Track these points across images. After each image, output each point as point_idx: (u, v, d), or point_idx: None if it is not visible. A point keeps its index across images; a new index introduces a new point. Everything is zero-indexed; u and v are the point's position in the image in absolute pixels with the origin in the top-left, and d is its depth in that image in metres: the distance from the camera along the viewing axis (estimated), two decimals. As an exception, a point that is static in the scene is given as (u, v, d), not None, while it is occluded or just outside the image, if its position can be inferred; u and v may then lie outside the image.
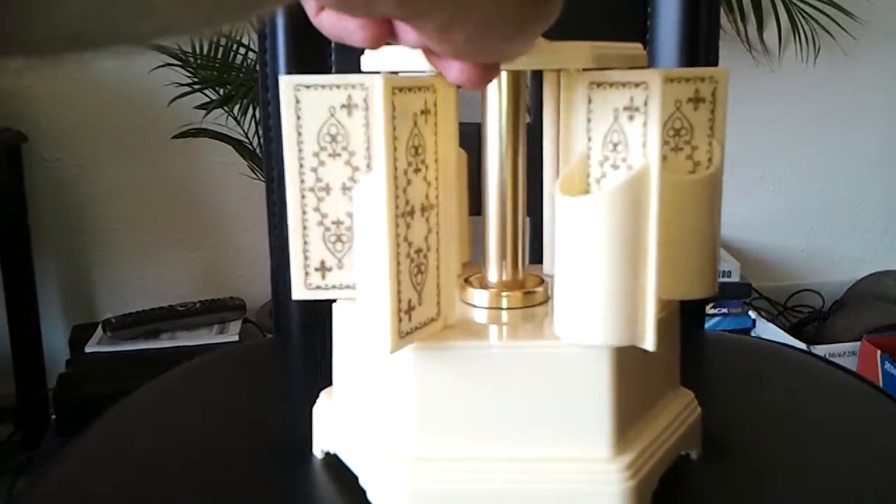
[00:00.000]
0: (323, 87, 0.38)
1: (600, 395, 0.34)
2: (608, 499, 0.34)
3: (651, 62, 0.61)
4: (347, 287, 0.39)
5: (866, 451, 0.43)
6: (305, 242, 0.39)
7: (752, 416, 0.47)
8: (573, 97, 0.35)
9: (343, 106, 0.38)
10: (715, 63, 0.62)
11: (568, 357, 0.34)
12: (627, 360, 0.35)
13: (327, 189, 0.38)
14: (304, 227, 0.38)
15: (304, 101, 0.37)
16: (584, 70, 0.34)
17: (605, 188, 0.33)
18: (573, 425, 0.35)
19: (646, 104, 0.32)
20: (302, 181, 0.38)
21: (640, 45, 0.39)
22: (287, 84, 0.37)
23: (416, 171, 0.33)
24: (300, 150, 0.38)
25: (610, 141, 0.33)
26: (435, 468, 0.34)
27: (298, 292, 0.39)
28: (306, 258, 0.39)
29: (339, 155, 0.38)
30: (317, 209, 0.38)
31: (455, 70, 0.29)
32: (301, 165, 0.38)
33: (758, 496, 0.39)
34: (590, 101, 0.35)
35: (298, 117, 0.37)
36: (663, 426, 0.38)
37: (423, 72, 0.35)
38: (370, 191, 0.32)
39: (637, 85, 0.32)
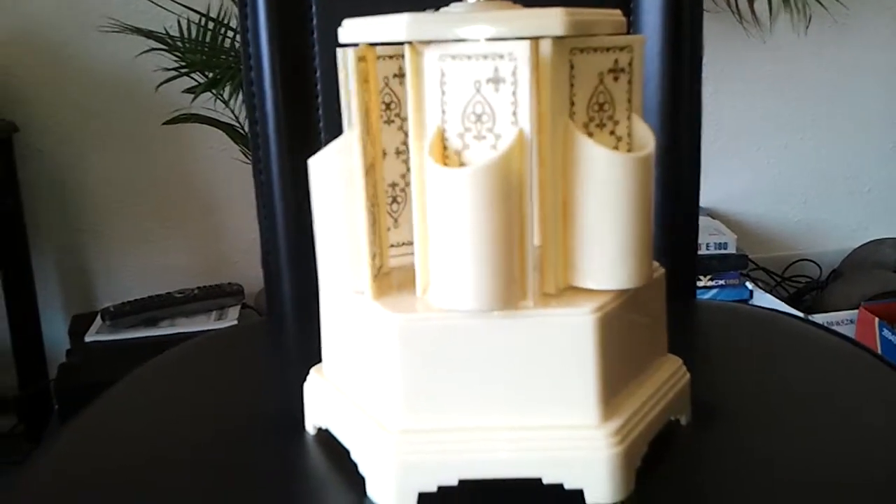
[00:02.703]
0: (380, 57, 0.39)
1: (586, 362, 0.35)
2: (597, 465, 0.34)
3: (634, 28, 0.61)
4: (404, 244, 0.40)
5: (860, 416, 0.43)
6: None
7: (743, 382, 0.47)
8: (552, 63, 0.35)
9: (395, 75, 0.39)
10: (699, 30, 0.62)
11: (553, 326, 0.34)
12: (613, 327, 0.35)
13: (384, 154, 0.40)
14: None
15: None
16: (565, 37, 0.34)
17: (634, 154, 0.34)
18: (560, 393, 0.35)
19: (630, 65, 0.32)
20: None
21: (618, 11, 0.38)
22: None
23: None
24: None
25: (596, 102, 0.34)
26: (423, 440, 0.34)
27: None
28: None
29: (392, 121, 0.40)
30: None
31: None
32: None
33: (749, 460, 0.39)
34: (572, 67, 0.35)
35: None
36: (651, 392, 0.38)
37: (398, 42, 0.35)
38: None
39: (622, 48, 0.32)
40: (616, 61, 0.35)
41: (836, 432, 0.41)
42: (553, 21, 0.33)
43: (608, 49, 0.35)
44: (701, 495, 0.37)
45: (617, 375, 0.36)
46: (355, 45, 0.39)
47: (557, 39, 0.34)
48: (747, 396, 0.45)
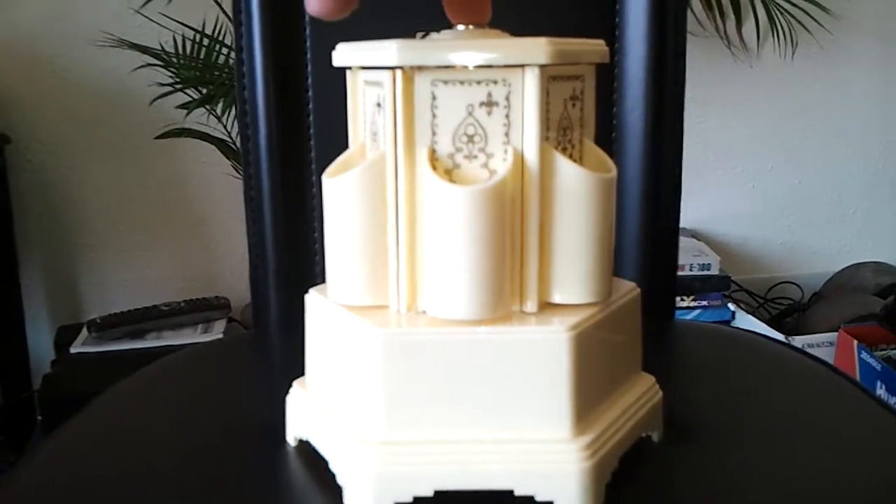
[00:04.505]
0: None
1: (561, 378, 0.36)
2: (567, 478, 0.35)
3: (620, 56, 0.63)
4: None
5: (831, 438, 0.44)
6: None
7: (717, 402, 0.48)
8: (533, 90, 0.36)
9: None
10: (683, 59, 0.64)
11: (530, 343, 0.36)
12: (588, 345, 0.37)
13: None
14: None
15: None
16: (548, 66, 0.36)
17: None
18: (535, 408, 0.36)
19: (582, 93, 0.34)
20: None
21: (602, 41, 0.40)
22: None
23: None
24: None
25: (561, 126, 0.36)
26: (401, 451, 0.35)
27: None
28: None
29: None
30: None
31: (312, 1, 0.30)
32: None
33: (717, 475, 0.40)
34: (548, 94, 0.36)
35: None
36: (623, 409, 0.39)
37: (389, 67, 0.36)
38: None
39: (577, 77, 0.34)
40: (574, 89, 0.37)
41: (807, 454, 0.42)
42: (541, 50, 0.35)
43: (569, 77, 0.37)
44: (670, 509, 0.38)
45: (590, 392, 0.37)
46: (348, 67, 0.40)
47: (542, 67, 0.36)
48: (720, 416, 0.46)
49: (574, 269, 0.37)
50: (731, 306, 1.60)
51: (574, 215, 0.36)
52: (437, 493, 0.35)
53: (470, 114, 0.36)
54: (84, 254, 1.60)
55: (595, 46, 0.39)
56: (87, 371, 1.33)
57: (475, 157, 0.36)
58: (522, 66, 0.35)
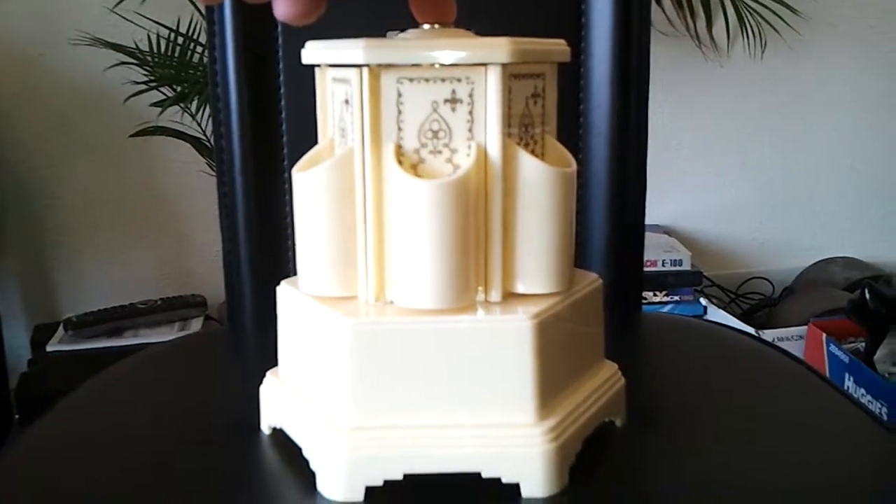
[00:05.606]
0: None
1: (525, 365, 0.37)
2: (532, 460, 0.36)
3: (586, 56, 0.64)
4: None
5: (789, 425, 0.46)
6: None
7: (679, 389, 0.50)
8: (496, 88, 0.37)
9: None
10: (647, 57, 0.66)
11: (494, 331, 0.37)
12: (551, 333, 0.38)
13: None
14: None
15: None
16: (509, 64, 0.37)
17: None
18: (500, 394, 0.37)
19: (544, 90, 0.35)
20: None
21: (562, 41, 0.41)
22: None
23: None
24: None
25: (523, 123, 0.37)
26: (370, 436, 0.37)
27: None
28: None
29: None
30: None
31: (281, 5, 0.30)
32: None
33: (677, 458, 0.41)
34: (510, 91, 0.38)
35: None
36: (586, 394, 0.41)
37: (355, 65, 0.37)
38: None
39: (539, 75, 0.35)
40: (535, 86, 0.39)
41: (764, 439, 0.43)
42: (503, 50, 0.36)
43: (531, 75, 0.39)
44: (630, 488, 0.40)
45: (554, 377, 0.39)
46: (317, 65, 0.41)
47: (504, 66, 0.37)
48: (681, 402, 0.47)
49: (536, 260, 0.38)
50: (703, 301, 1.63)
51: (535, 208, 0.38)
52: (407, 477, 0.36)
53: (435, 110, 0.37)
54: (60, 252, 1.60)
55: (556, 46, 0.40)
56: (64, 369, 1.32)
57: (440, 152, 0.38)
58: (485, 64, 0.37)
